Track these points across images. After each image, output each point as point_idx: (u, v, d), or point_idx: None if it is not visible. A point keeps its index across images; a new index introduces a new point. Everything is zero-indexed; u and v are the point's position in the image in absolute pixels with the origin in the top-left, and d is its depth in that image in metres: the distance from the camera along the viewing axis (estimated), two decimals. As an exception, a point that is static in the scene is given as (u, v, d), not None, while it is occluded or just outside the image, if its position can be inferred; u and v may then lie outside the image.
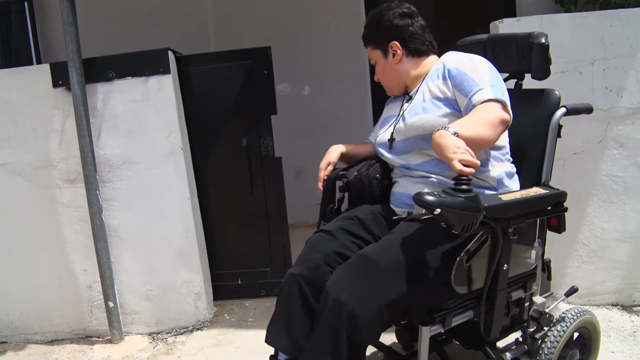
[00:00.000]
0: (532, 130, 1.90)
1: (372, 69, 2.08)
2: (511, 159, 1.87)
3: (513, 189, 1.81)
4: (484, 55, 1.98)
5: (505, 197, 1.59)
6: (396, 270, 1.51)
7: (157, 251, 2.87)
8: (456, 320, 1.66)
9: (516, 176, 1.86)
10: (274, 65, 2.97)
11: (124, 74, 2.75)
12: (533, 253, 1.80)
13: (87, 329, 2.95)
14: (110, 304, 2.81)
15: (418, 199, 1.36)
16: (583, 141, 2.63)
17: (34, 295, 2.92)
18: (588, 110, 1.94)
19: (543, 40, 1.88)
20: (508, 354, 1.83)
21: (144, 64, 2.74)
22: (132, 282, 2.90)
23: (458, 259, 1.51)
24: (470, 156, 1.41)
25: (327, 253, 1.75)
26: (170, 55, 2.79)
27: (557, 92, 1.93)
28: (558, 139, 1.88)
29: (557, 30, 2.52)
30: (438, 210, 1.33)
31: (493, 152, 1.79)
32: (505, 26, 2.58)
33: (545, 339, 1.89)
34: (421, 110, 1.83)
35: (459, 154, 1.41)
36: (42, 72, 2.76)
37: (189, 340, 2.80)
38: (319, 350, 1.51)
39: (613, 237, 2.69)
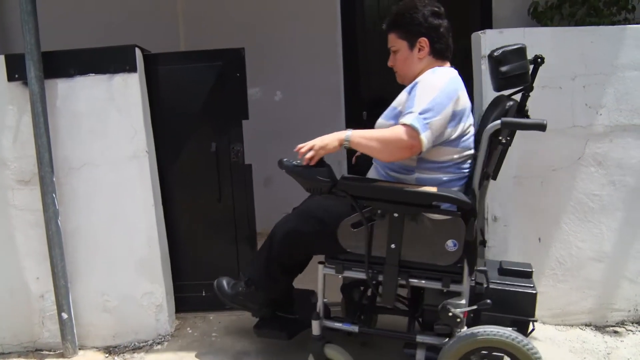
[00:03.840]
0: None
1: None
2: (454, 171, 2.02)
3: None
4: None
5: (377, 184, 2.00)
6: (302, 214, 2.23)
7: (117, 260, 2.72)
8: (348, 273, 2.09)
9: (450, 185, 2.02)
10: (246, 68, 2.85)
11: (87, 70, 2.62)
12: (440, 250, 1.94)
13: (37, 342, 2.78)
14: (64, 315, 2.64)
15: (279, 162, 2.00)
16: (561, 158, 2.61)
17: (-20, 305, 2.72)
18: (536, 126, 1.82)
19: (495, 54, 1.91)
20: (419, 336, 2.06)
21: (109, 60, 2.62)
22: (89, 292, 2.74)
23: (342, 221, 2.01)
24: (305, 150, 1.96)
25: None
26: (138, 52, 2.66)
27: (508, 103, 1.93)
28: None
29: (539, 43, 2.47)
30: (283, 170, 1.99)
31: (423, 164, 2.02)
32: (487, 37, 2.54)
33: (448, 340, 1.98)
34: (383, 115, 2.12)
35: (306, 147, 1.97)
36: (-5, 64, 2.59)
37: (148, 355, 2.65)
38: (258, 252, 2.44)
39: (589, 256, 2.68)
